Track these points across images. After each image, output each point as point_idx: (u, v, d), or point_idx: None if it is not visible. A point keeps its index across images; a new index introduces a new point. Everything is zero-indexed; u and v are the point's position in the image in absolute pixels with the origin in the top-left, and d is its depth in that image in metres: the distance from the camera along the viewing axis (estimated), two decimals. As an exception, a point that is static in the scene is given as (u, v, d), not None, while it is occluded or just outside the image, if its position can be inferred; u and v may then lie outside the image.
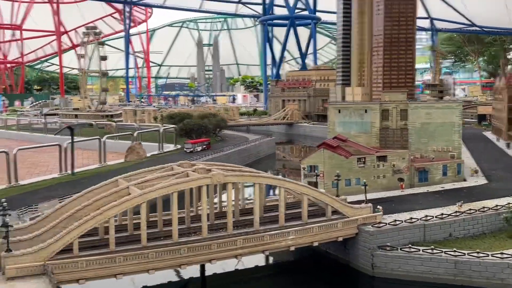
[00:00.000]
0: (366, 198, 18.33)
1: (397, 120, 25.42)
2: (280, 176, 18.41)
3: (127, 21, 73.93)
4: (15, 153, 12.37)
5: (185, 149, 20.49)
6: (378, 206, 18.39)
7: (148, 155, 21.86)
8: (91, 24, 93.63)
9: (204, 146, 21.41)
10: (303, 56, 48.38)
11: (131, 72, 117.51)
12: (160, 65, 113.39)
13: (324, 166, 21.31)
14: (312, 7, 46.50)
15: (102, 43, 33.21)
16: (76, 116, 32.45)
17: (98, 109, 32.53)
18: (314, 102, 39.38)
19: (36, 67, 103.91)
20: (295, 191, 17.02)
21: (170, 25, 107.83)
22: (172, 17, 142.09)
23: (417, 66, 35.50)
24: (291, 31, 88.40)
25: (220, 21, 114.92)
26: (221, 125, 22.82)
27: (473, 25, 74.30)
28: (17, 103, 66.50)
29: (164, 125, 22.93)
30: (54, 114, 49.42)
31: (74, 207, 14.38)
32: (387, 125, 25.83)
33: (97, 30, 35.88)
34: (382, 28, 30.84)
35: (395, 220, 17.93)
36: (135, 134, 19.32)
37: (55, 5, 74.46)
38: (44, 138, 24.59)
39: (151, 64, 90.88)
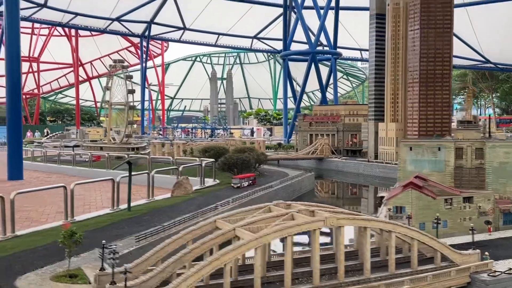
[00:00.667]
0: (473, 242, 16.87)
1: (472, 159, 24.68)
2: (392, 220, 17.22)
3: (144, 55, 74.41)
4: (73, 188, 11.47)
5: (232, 184, 19.47)
6: (486, 253, 16.99)
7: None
8: (105, 58, 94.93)
9: (250, 182, 20.51)
10: (324, 90, 48.29)
11: (145, 105, 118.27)
12: (173, 98, 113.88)
13: (412, 207, 20.38)
14: (332, 42, 46.80)
15: (131, 77, 32.71)
16: (101, 148, 31.87)
17: (123, 142, 31.73)
18: (343, 136, 39.15)
19: (50, 98, 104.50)
20: (406, 235, 15.97)
21: (184, 59, 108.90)
22: (186, 51, 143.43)
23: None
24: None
25: (233, 56, 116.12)
26: (261, 160, 21.99)
27: (488, 61, 74.59)
28: (28, 134, 66.24)
29: (201, 159, 22.03)
30: (76, 146, 49.15)
31: (174, 248, 13.38)
32: (461, 164, 24.87)
33: (125, 63, 35.44)
34: (417, 64, 30.70)
35: (510, 269, 16.62)
36: (180, 169, 18.44)
37: (73, 39, 75.15)
38: (74, 170, 23.91)
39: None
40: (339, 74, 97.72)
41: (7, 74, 20.94)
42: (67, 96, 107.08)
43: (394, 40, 32.60)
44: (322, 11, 46.31)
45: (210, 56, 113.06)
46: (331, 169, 35.78)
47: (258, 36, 75.86)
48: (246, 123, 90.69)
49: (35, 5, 59.63)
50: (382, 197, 20.90)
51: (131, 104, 31.18)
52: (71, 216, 13.35)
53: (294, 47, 77.40)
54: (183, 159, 24.22)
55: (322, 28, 43.69)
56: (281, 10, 69.42)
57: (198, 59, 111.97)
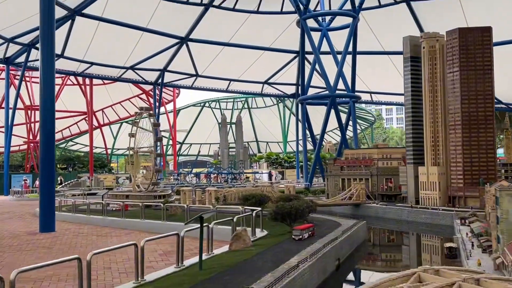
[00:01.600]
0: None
1: None
2: None
3: (157, 103, 75.28)
4: (143, 245, 10.33)
5: (293, 236, 17.61)
6: None
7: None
8: (116, 105, 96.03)
9: (310, 233, 18.80)
10: (344, 134, 48.21)
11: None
12: (181, 143, 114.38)
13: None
14: (350, 86, 47.30)
15: (158, 124, 32.29)
16: (127, 196, 31.00)
17: (149, 190, 31.01)
18: (377, 181, 37.62)
19: (60, 146, 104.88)
20: None
21: (194, 105, 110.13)
22: (195, 97, 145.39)
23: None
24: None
25: (241, 101, 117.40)
26: (312, 208, 20.34)
27: (499, 102, 75.01)
28: (37, 182, 65.90)
29: (251, 208, 20.45)
30: (93, 194, 48.72)
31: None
32: None
33: (151, 111, 35.24)
34: (459, 106, 30.39)
35: None
36: (235, 219, 17.03)
37: (88, 87, 76.24)
38: (105, 221, 23.11)
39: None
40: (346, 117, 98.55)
41: (41, 125, 20.95)
42: (77, 143, 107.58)
43: (432, 82, 32.50)
44: (339, 56, 46.90)
45: (219, 102, 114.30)
46: (369, 215, 33.37)
47: (269, 81, 76.80)
48: (256, 166, 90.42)
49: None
50: (451, 248, 19.82)
51: (159, 152, 30.75)
52: (141, 276, 12.07)
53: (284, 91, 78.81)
54: (225, 208, 22.98)
55: (341, 72, 44.11)
56: (291, 56, 71.02)
57: (207, 104, 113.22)
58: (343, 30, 51.41)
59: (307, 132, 55.04)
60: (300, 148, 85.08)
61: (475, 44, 30.59)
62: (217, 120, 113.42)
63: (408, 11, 54.98)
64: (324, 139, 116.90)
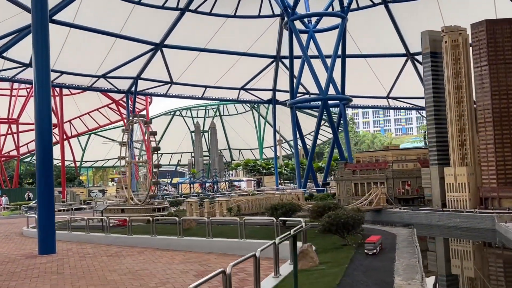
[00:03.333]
0: None
1: None
2: None
3: (130, 111, 72.65)
4: (230, 272, 8.32)
5: (366, 251, 15.21)
6: None
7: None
8: (84, 116, 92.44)
9: (380, 246, 16.38)
10: (338, 138, 47.25)
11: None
12: (152, 153, 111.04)
13: None
14: (340, 89, 46.58)
15: (155, 133, 30.13)
16: (122, 211, 28.55)
17: (147, 203, 28.83)
18: (393, 184, 35.81)
19: (25, 160, 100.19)
20: None
21: (165, 113, 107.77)
22: (167, 105, 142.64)
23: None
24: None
25: (213, 108, 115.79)
26: (360, 219, 17.46)
27: None
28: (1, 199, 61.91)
29: (281, 219, 18.21)
30: (79, 209, 45.95)
31: None
32: None
33: (148, 120, 32.93)
34: (489, 102, 28.94)
35: None
36: (292, 232, 14.65)
37: (57, 98, 72.93)
38: (109, 239, 20.57)
39: (143, 152, 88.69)
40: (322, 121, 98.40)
41: (37, 136, 18.97)
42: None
43: (456, 78, 31.00)
44: (328, 60, 46.10)
45: (190, 110, 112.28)
46: (393, 221, 30.71)
47: (245, 87, 75.64)
48: (233, 174, 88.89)
49: (20, 65, 57.75)
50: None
51: (157, 163, 28.58)
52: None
53: (278, 96, 78.00)
54: (251, 219, 20.61)
55: (331, 74, 43.31)
56: (268, 61, 70.19)
57: (177, 112, 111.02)
58: (326, 33, 50.89)
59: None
60: (280, 153, 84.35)
61: (503, 37, 29.40)
62: (189, 129, 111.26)
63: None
64: (298, 145, 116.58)
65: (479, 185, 30.88)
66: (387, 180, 34.99)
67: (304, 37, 50.97)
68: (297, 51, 58.14)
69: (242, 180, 70.75)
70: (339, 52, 47.66)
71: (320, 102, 46.97)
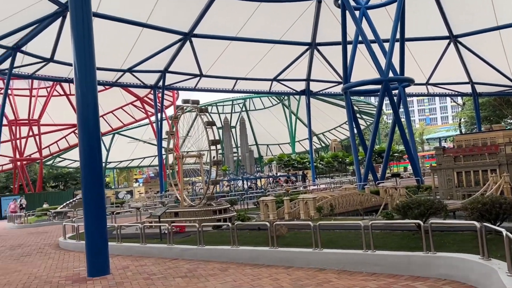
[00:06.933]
0: None
1: None
2: None
3: (158, 108, 68.67)
4: None
5: None
6: None
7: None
8: (108, 115, 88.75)
9: None
10: (401, 124, 42.26)
11: (149, 160, 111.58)
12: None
13: None
14: (398, 72, 41.57)
15: (213, 123, 24.98)
16: (176, 214, 24.05)
17: (204, 204, 24.28)
18: (508, 170, 29.71)
19: (47, 163, 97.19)
20: None
21: (190, 110, 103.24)
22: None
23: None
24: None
25: (239, 104, 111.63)
26: None
27: (517, 85, 70.59)
28: (12, 205, 57.73)
29: (432, 222, 13.59)
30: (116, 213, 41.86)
31: None
32: None
33: (203, 107, 27.55)
34: None
35: None
36: None
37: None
38: (174, 251, 16.44)
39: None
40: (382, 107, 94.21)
41: (82, 142, 14.59)
42: (65, 159, 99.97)
43: None
44: (386, 44, 41.15)
45: (216, 105, 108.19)
46: None
47: (278, 78, 71.10)
48: (266, 170, 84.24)
49: (41, 60, 54.04)
50: None
51: (217, 159, 23.81)
52: None
53: (313, 86, 73.25)
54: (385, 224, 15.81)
55: (392, 52, 38.49)
56: (302, 48, 65.51)
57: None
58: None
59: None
60: (313, 147, 79.59)
61: None
62: (220, 124, 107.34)
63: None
64: (328, 139, 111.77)
65: None
66: (499, 166, 29.29)
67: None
68: (334, 34, 53.56)
69: (276, 176, 65.94)
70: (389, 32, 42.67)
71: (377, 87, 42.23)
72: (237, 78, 69.39)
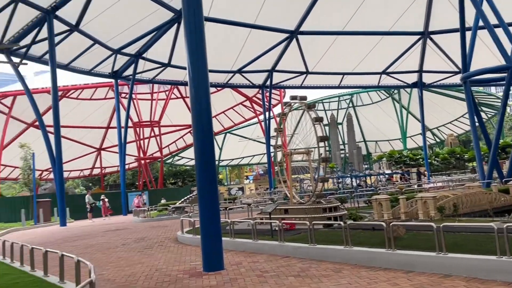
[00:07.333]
0: None
1: None
2: None
3: (266, 107, 70.04)
4: None
5: None
6: None
7: None
8: (220, 115, 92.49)
9: None
10: None
11: (258, 158, 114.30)
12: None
13: None
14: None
15: (321, 119, 24.81)
16: (285, 211, 24.50)
17: (314, 201, 24.26)
18: None
19: (167, 162, 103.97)
20: None
21: (297, 108, 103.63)
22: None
23: None
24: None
25: (345, 99, 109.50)
26: None
27: None
28: (136, 200, 61.38)
29: None
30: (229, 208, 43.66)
31: None
32: None
33: (310, 102, 27.31)
34: None
35: None
36: None
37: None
38: (284, 248, 16.64)
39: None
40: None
41: (198, 140, 15.17)
42: (183, 157, 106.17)
43: None
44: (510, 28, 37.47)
45: (322, 102, 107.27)
46: None
47: (387, 71, 68.34)
48: (377, 167, 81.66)
49: (160, 65, 57.77)
50: None
51: (325, 156, 23.53)
52: None
53: (426, 78, 69.16)
54: None
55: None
56: (414, 38, 62.17)
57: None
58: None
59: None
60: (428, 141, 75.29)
61: None
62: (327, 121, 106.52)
63: None
64: (443, 134, 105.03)
65: None
66: None
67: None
68: (449, 21, 49.85)
69: (391, 173, 63.30)
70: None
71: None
72: (343, 73, 68.18)
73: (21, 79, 45.85)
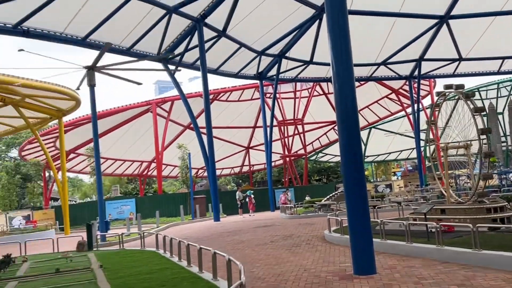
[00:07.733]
0: None
1: None
2: None
3: (414, 98, 65.98)
4: None
5: None
6: None
7: None
8: (363, 110, 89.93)
9: None
10: None
11: (407, 153, 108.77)
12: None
13: None
14: None
15: (482, 109, 22.26)
16: (442, 211, 22.47)
17: (475, 201, 21.84)
18: None
19: (311, 158, 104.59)
20: None
21: (449, 98, 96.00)
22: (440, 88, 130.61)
23: None
24: None
25: (506, 87, 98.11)
26: None
27: None
28: (282, 197, 62.09)
29: None
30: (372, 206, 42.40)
31: None
32: None
33: (469, 93, 24.40)
34: None
35: None
36: None
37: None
38: (443, 253, 15.63)
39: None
40: None
41: (341, 136, 14.56)
42: (326, 154, 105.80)
43: None
44: None
45: (478, 90, 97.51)
46: None
47: (560, 50, 59.26)
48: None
49: (302, 63, 58.15)
50: None
51: (489, 149, 21.02)
52: None
53: None
54: None
55: None
56: None
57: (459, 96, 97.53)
58: None
59: None
60: None
61: None
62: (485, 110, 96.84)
63: None
64: None
65: None
66: None
67: None
68: None
69: None
70: None
71: None
72: (504, 58, 61.03)
73: (177, 85, 49.82)
